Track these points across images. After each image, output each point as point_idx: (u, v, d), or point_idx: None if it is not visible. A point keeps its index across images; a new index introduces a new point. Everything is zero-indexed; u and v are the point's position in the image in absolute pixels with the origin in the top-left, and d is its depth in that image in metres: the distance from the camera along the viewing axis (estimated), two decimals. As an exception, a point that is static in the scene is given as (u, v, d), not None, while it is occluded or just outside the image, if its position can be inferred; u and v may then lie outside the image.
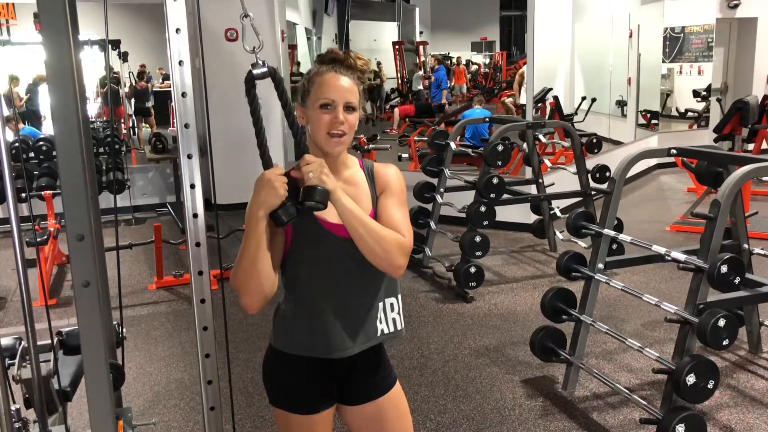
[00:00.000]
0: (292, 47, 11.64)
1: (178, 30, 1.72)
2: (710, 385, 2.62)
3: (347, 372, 1.76)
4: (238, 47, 7.77)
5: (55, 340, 2.08)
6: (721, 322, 2.57)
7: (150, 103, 9.58)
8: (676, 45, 11.07)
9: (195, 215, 1.80)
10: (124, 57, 9.01)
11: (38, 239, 4.64)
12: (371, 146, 6.83)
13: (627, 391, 3.05)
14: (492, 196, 4.70)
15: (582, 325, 3.33)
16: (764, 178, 3.09)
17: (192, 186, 1.79)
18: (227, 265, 5.32)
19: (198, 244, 1.82)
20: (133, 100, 9.52)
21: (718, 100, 10.60)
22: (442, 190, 5.34)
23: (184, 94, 1.75)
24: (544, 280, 5.02)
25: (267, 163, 1.71)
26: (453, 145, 5.36)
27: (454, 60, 16.64)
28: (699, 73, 11.05)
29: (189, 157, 1.78)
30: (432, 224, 5.36)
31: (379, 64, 15.10)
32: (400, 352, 3.87)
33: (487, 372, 3.61)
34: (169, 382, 3.61)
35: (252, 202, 1.60)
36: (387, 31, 16.85)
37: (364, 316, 1.71)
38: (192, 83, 1.76)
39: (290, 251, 1.70)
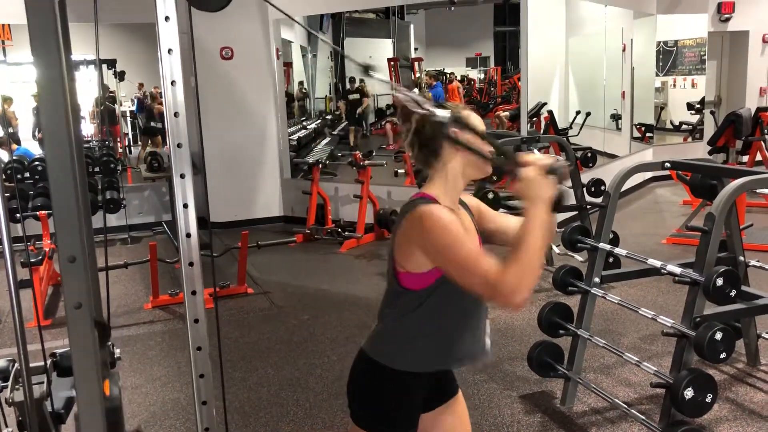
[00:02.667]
0: (288, 65, 11.69)
1: (170, 50, 1.72)
2: (708, 399, 2.61)
3: (437, 380, 1.89)
4: (233, 66, 7.82)
5: (49, 361, 2.07)
6: (718, 336, 2.56)
7: (159, 124, 9.60)
8: (669, 58, 11.14)
9: (188, 235, 1.80)
10: (120, 76, 9.04)
11: (33, 260, 4.62)
12: (367, 162, 6.85)
13: (625, 406, 3.04)
14: (488, 211, 4.70)
15: (579, 340, 3.32)
16: (759, 191, 3.11)
17: (185, 205, 1.78)
18: (223, 283, 5.32)
19: (191, 264, 1.81)
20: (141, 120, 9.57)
21: (712, 113, 10.65)
22: (438, 205, 5.33)
23: (176, 114, 1.75)
24: (542, 294, 5.01)
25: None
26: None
27: (448, 76, 16.69)
28: (693, 86, 11.11)
29: (182, 176, 1.78)
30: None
31: (362, 81, 15.18)
32: (397, 369, 3.85)
33: (485, 388, 3.59)
34: (165, 403, 3.59)
35: (539, 202, 1.56)
36: (382, 48, 16.93)
37: (482, 333, 1.84)
38: (186, 102, 1.76)
39: (445, 283, 1.70)
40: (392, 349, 1.80)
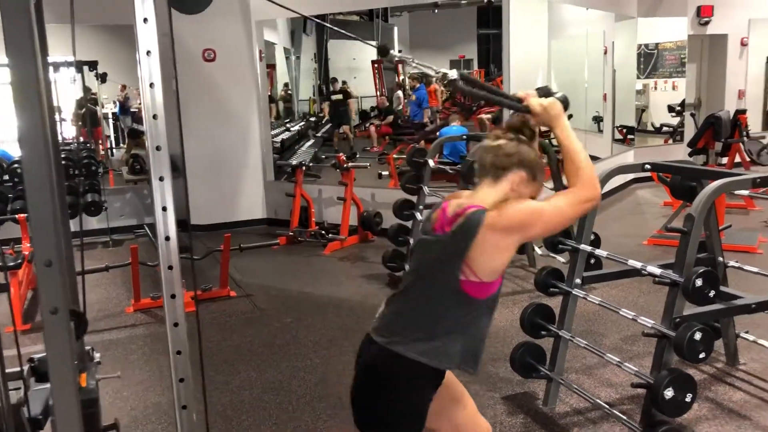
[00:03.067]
0: (271, 67, 11.67)
1: (149, 52, 1.71)
2: (688, 399, 2.64)
3: None
4: (216, 67, 7.78)
5: (27, 366, 2.04)
6: (698, 336, 2.59)
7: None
8: (650, 61, 11.25)
9: (167, 238, 1.79)
10: (102, 78, 8.96)
11: (11, 263, 4.57)
12: (350, 164, 6.85)
13: (607, 406, 3.06)
14: (470, 212, 4.72)
15: (561, 341, 3.34)
16: (737, 192, 3.15)
17: (164, 208, 1.77)
18: (205, 286, 5.29)
19: (170, 267, 1.80)
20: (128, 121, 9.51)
21: (692, 115, 10.76)
22: (421, 207, 5.36)
23: (155, 116, 1.74)
24: (524, 295, 5.03)
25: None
26: (431, 162, 5.38)
27: (431, 79, 16.67)
28: (673, 89, 11.23)
29: (161, 179, 1.77)
30: (412, 241, 5.36)
31: (345, 83, 15.21)
32: (380, 371, 3.85)
33: (467, 389, 3.57)
34: (147, 407, 3.56)
35: (556, 117, 1.99)
36: (366, 50, 16.93)
37: None
38: (167, 105, 1.75)
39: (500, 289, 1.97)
40: (437, 349, 1.88)
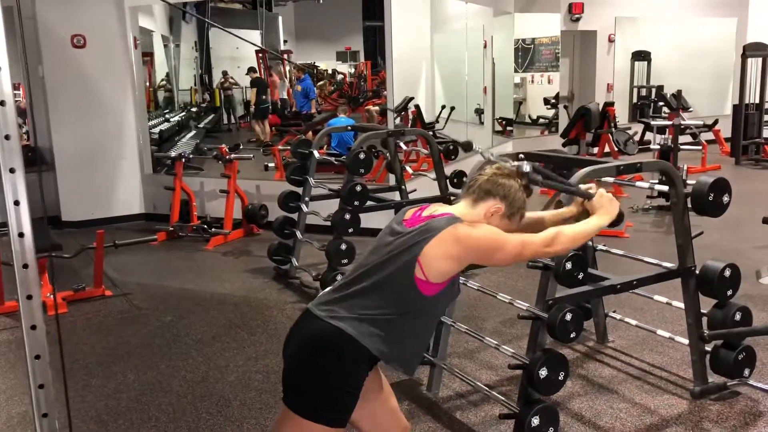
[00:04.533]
0: (149, 55, 11.17)
1: (-7, 33, 1.57)
2: (561, 377, 2.76)
3: None
4: (86, 54, 7.35)
5: None
6: (568, 317, 2.72)
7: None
8: (527, 56, 11.73)
9: (21, 234, 1.66)
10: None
11: None
12: (233, 156, 6.68)
13: (487, 389, 3.16)
14: (356, 203, 4.73)
15: (443, 327, 3.41)
16: (605, 179, 3.33)
17: (16, 203, 1.64)
18: (77, 286, 4.98)
19: (26, 266, 1.67)
20: None
21: (565, 107, 11.34)
22: (307, 199, 5.31)
23: (2, 103, 1.60)
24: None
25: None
26: (316, 153, 5.34)
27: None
28: (549, 82, 11.77)
29: (11, 171, 1.63)
30: (298, 234, 5.31)
31: (225, 73, 14.91)
32: (266, 366, 3.78)
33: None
34: (11, 417, 3.31)
35: (607, 215, 2.28)
36: (250, 39, 16.57)
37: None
38: (35, 94, 1.62)
39: (453, 281, 2.02)
40: (379, 337, 1.93)
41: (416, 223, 2.00)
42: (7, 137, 1.61)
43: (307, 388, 1.94)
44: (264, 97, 13.34)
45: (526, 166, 2.11)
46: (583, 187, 2.35)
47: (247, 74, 13.98)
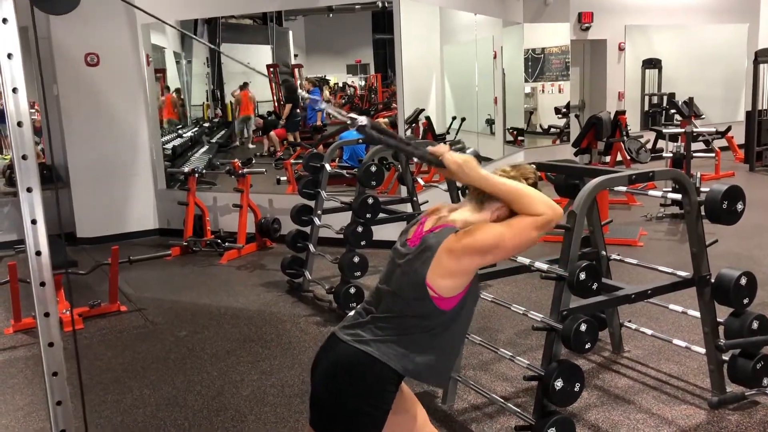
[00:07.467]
0: (160, 71, 11.27)
1: (10, 55, 1.60)
2: (576, 388, 2.75)
3: None
4: (99, 72, 7.43)
5: None
6: (583, 327, 2.70)
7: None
8: (537, 65, 11.72)
9: (38, 253, 1.68)
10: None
11: None
12: (246, 170, 6.72)
13: (502, 401, 3.14)
14: (368, 216, 4.74)
15: (458, 339, 3.39)
16: (618, 188, 3.32)
17: (33, 221, 1.66)
18: (93, 302, 5.01)
19: (43, 284, 1.69)
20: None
21: (577, 116, 11.31)
22: (319, 212, 5.33)
23: (20, 124, 1.63)
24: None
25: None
26: (328, 166, 5.36)
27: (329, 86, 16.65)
28: (559, 92, 11.75)
29: (29, 190, 1.66)
30: (311, 247, 5.33)
31: (246, 85, 15.01)
32: (280, 380, 3.79)
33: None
34: (29, 434, 3.34)
35: (472, 170, 1.93)
36: (261, 54, 16.71)
37: None
38: (50, 112, 1.65)
39: (471, 288, 1.98)
40: (406, 356, 1.93)
41: (416, 242, 1.99)
42: (24, 157, 1.64)
43: (337, 412, 1.94)
44: (297, 110, 13.57)
45: (363, 120, 1.99)
46: (431, 150, 1.98)
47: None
